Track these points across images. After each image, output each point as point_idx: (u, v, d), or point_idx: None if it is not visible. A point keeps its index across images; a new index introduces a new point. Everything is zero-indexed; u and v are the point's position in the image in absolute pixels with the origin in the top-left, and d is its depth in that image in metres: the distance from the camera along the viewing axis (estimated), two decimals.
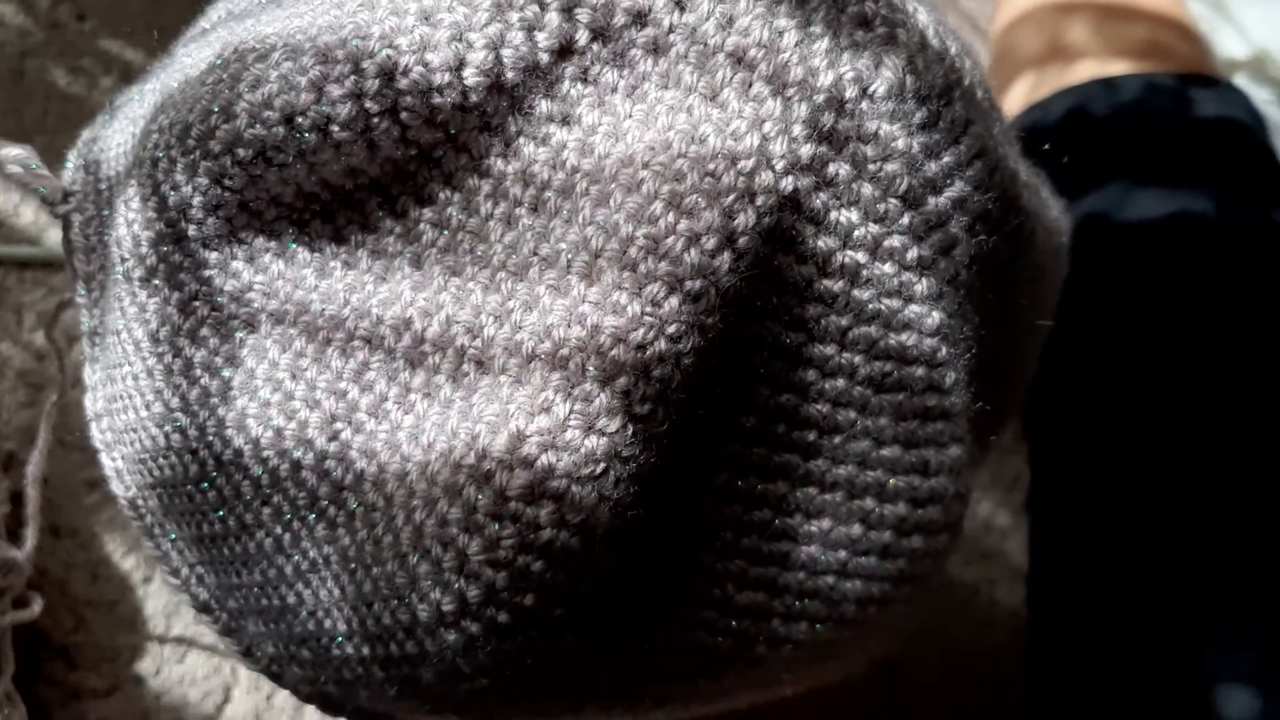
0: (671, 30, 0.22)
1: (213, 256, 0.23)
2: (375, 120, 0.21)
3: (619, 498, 0.20)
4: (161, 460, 0.24)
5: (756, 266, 0.21)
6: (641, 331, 0.20)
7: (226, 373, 0.23)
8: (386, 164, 0.22)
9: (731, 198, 0.21)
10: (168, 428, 0.24)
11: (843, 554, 0.24)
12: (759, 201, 0.21)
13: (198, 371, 0.24)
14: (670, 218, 0.20)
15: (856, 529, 0.23)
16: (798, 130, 0.21)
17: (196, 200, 0.23)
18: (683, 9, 0.22)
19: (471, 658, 0.21)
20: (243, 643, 0.26)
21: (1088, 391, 0.42)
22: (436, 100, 0.21)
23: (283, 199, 0.23)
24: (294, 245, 0.23)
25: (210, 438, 0.23)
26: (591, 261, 0.21)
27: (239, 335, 0.23)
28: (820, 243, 0.22)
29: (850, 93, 0.22)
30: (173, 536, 0.26)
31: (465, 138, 0.22)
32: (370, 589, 0.22)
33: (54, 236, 0.47)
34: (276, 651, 0.25)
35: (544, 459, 0.20)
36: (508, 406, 0.20)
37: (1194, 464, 0.39)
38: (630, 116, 0.21)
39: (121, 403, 0.25)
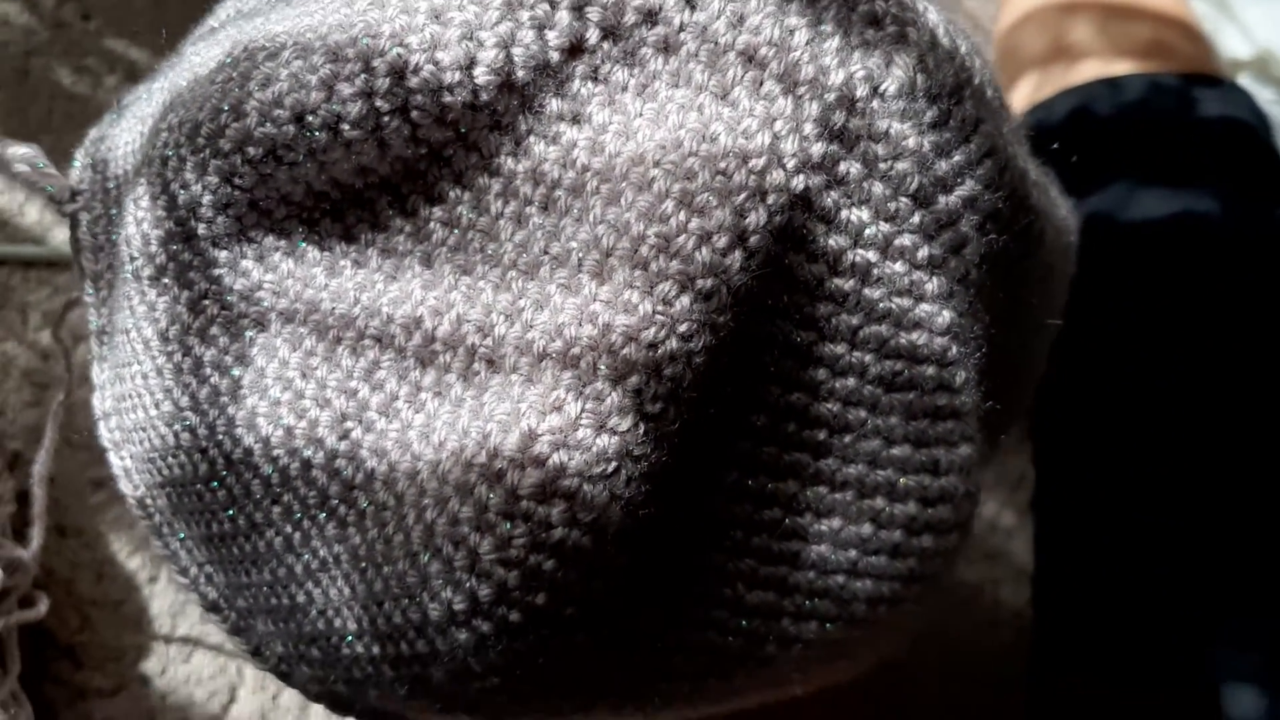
0: (682, 29, 0.22)
1: (222, 255, 0.23)
2: (386, 119, 0.21)
3: (630, 496, 0.20)
4: (171, 459, 0.24)
5: (767, 265, 0.21)
6: (653, 330, 0.20)
7: (236, 371, 0.23)
8: (397, 163, 0.22)
9: (743, 196, 0.21)
10: (177, 426, 0.24)
11: (853, 553, 0.24)
12: (770, 200, 0.21)
13: (207, 370, 0.23)
14: (681, 216, 0.20)
15: (867, 528, 0.23)
16: (809, 129, 0.21)
17: (206, 199, 0.23)
18: (693, 7, 0.22)
19: (483, 657, 0.21)
20: (251, 642, 0.26)
21: (1092, 391, 0.42)
22: (447, 99, 0.21)
23: (293, 198, 0.23)
24: (304, 244, 0.23)
25: (220, 436, 0.23)
26: (603, 260, 0.21)
27: (249, 334, 0.23)
28: (831, 241, 0.22)
29: (861, 91, 0.22)
30: (182, 535, 0.26)
31: (476, 136, 0.22)
32: (381, 588, 0.22)
33: (58, 236, 0.47)
34: (286, 651, 0.25)
35: (555, 458, 0.20)
36: (519, 405, 0.20)
37: (1198, 464, 0.39)
38: (641, 115, 0.21)
39: (130, 401, 0.25)
